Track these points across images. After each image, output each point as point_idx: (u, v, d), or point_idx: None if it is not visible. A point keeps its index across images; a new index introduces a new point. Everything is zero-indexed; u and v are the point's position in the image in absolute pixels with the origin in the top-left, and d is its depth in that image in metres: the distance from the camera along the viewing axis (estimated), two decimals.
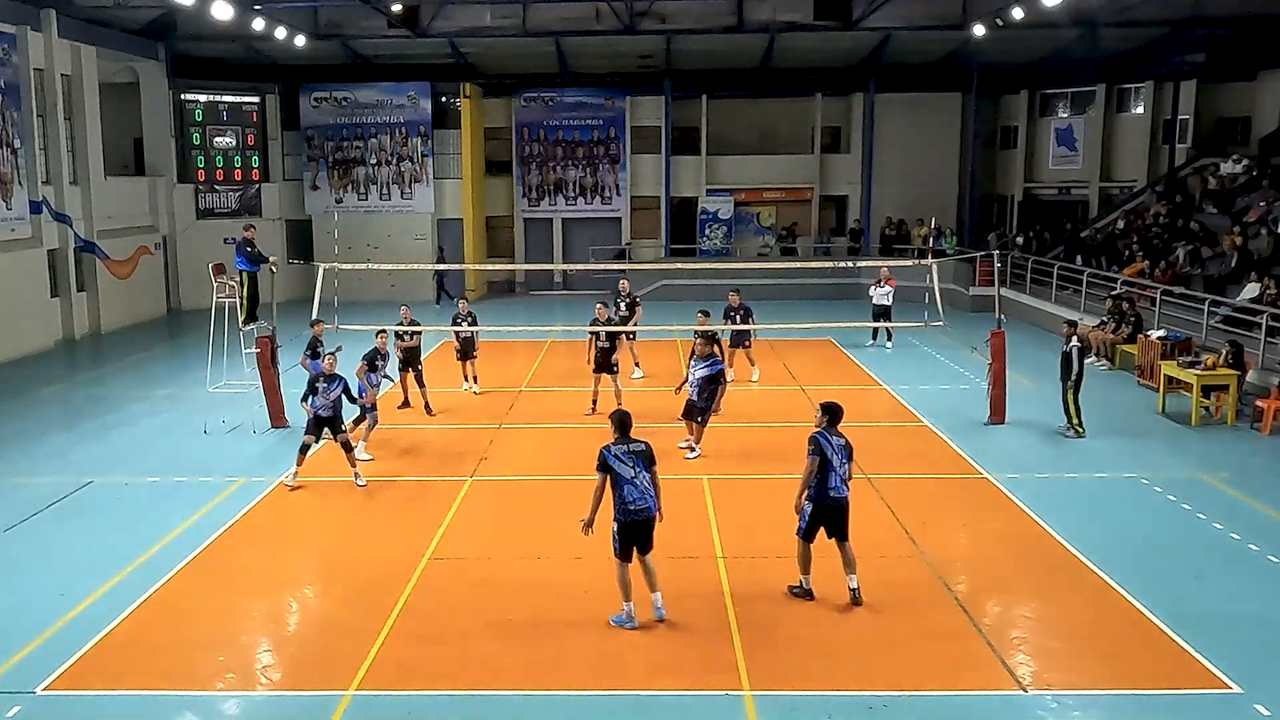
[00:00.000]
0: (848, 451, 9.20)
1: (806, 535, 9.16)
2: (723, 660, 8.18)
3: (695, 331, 15.20)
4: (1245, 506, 11.82)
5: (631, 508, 8.57)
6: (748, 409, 16.65)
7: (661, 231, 33.05)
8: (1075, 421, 14.84)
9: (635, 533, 8.63)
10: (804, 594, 9.27)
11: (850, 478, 9.21)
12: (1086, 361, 19.85)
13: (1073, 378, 14.75)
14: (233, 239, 19.20)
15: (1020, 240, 30.21)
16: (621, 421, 8.80)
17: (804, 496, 9.12)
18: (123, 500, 12.35)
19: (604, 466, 8.58)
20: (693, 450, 14.00)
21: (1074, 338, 14.97)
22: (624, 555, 8.68)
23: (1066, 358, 14.85)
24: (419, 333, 16.53)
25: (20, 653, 8.38)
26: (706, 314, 16.01)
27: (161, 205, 28.67)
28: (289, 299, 27.01)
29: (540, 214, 33.31)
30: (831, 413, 9.30)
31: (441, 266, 26.97)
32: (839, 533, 9.14)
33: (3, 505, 12.07)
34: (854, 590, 9.13)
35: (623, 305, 18.88)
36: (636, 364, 19.16)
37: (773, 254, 33.09)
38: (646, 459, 8.64)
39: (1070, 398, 14.85)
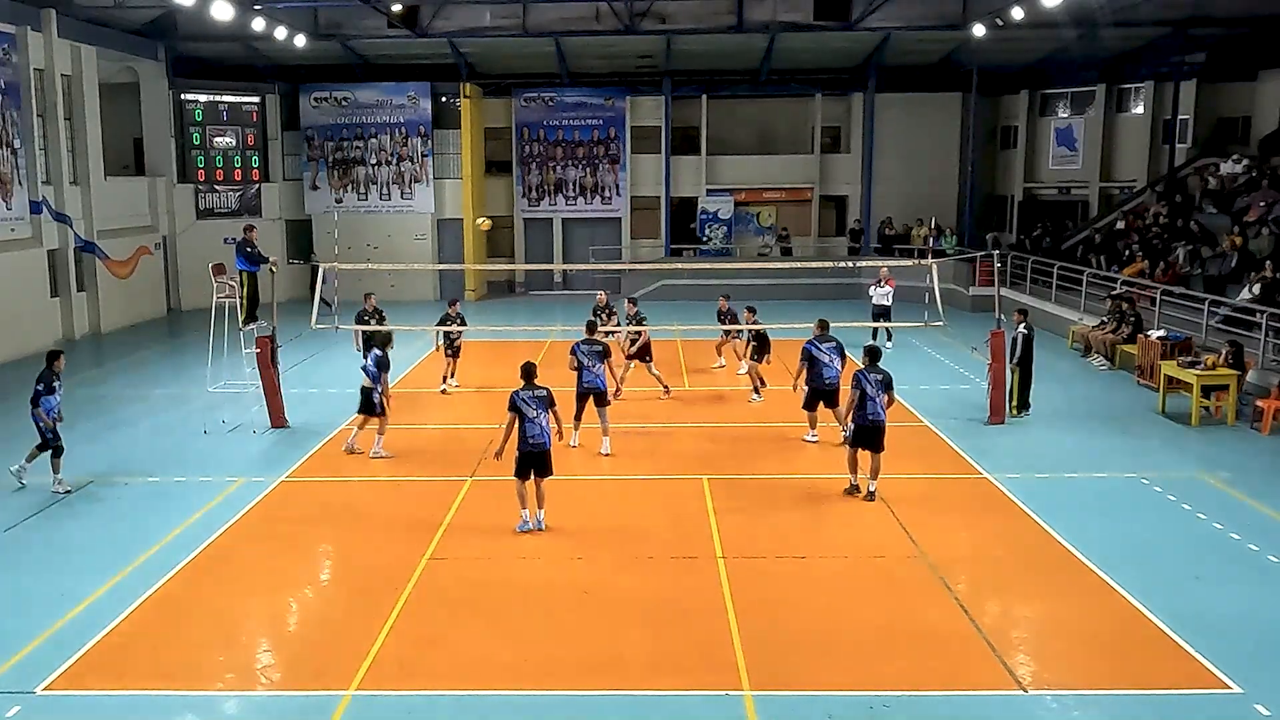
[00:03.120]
0: (884, 384, 11.87)
1: (853, 445, 12.16)
2: (723, 660, 8.18)
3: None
4: (1245, 506, 11.82)
5: (530, 441, 10.60)
6: (748, 408, 16.66)
7: (661, 231, 33.05)
8: (1013, 404, 15.72)
9: (532, 460, 10.70)
10: (852, 490, 12.08)
11: (890, 404, 11.94)
12: (1092, 362, 20.08)
13: (1014, 360, 15.62)
14: (233, 239, 19.18)
15: (1013, 240, 30.21)
16: (527, 371, 10.81)
17: (849, 419, 12.26)
18: (123, 500, 12.35)
19: (514, 407, 10.59)
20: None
21: (1021, 324, 15.78)
22: (521, 475, 10.78)
23: (1013, 341, 15.61)
24: (383, 322, 17.04)
25: (20, 653, 8.38)
26: (753, 310, 17.39)
27: (161, 205, 28.65)
28: (289, 299, 27.06)
29: (540, 214, 33.31)
30: (871, 354, 12.31)
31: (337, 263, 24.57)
32: (874, 446, 11.93)
33: (3, 505, 12.07)
34: (872, 492, 11.90)
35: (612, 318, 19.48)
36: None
37: (773, 254, 33.09)
38: (546, 402, 10.67)
39: (1014, 379, 15.66)
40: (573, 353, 14.07)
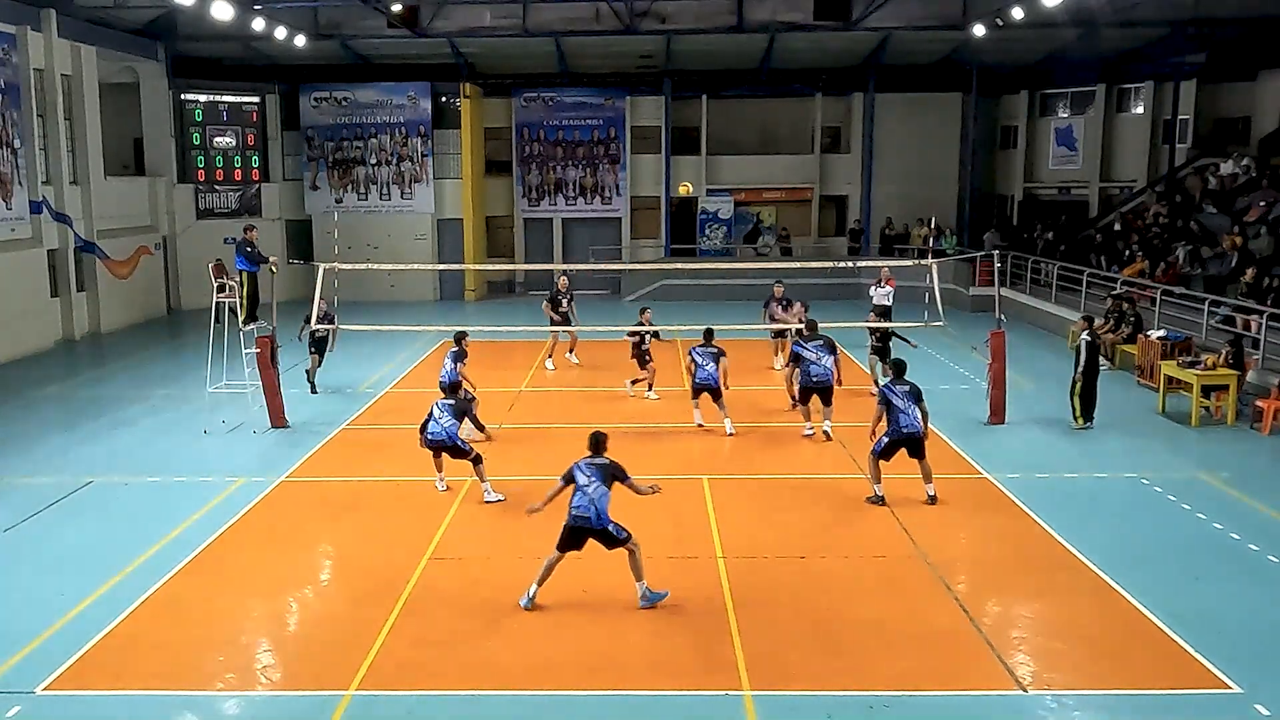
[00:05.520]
0: (913, 396, 11.96)
1: (883, 455, 11.91)
2: (723, 660, 8.18)
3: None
4: (1245, 506, 11.82)
5: (574, 512, 9.16)
6: (749, 408, 16.62)
7: (661, 231, 33.05)
8: (1078, 414, 15.19)
9: (579, 534, 9.19)
10: (878, 500, 11.83)
11: (926, 415, 11.97)
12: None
13: (1080, 370, 15.12)
14: (233, 239, 19.18)
15: (1002, 241, 30.20)
16: (596, 441, 9.42)
17: (876, 432, 12.02)
18: (123, 500, 12.35)
19: (568, 478, 9.28)
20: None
21: (1085, 332, 15.41)
22: (560, 547, 9.27)
23: (1078, 351, 15.25)
24: (333, 326, 17.47)
25: (20, 653, 8.38)
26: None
27: (161, 205, 28.65)
28: (289, 299, 27.03)
29: (540, 214, 33.31)
30: (896, 367, 12.44)
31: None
32: (917, 454, 11.92)
33: (3, 505, 12.07)
34: (931, 496, 11.86)
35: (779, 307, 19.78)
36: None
37: (773, 254, 33.10)
38: (605, 473, 9.17)
39: (1076, 390, 15.17)
40: (690, 355, 15.31)
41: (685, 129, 33.01)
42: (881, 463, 11.96)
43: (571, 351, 20.10)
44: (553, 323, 19.68)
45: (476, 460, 12.23)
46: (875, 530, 11.14)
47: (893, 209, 32.52)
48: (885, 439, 11.91)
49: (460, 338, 15.31)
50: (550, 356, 20.24)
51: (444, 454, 12.35)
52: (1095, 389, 15.28)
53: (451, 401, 12.36)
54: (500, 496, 12.08)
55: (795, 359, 14.61)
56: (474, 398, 14.28)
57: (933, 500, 11.80)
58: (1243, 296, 18.19)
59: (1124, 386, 18.31)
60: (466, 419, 12.59)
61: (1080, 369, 15.20)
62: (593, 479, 9.12)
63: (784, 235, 33.43)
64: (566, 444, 14.79)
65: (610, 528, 9.11)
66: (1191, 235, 23.38)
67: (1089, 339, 15.26)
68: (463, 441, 12.32)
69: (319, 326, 16.85)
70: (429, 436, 12.28)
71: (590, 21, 28.13)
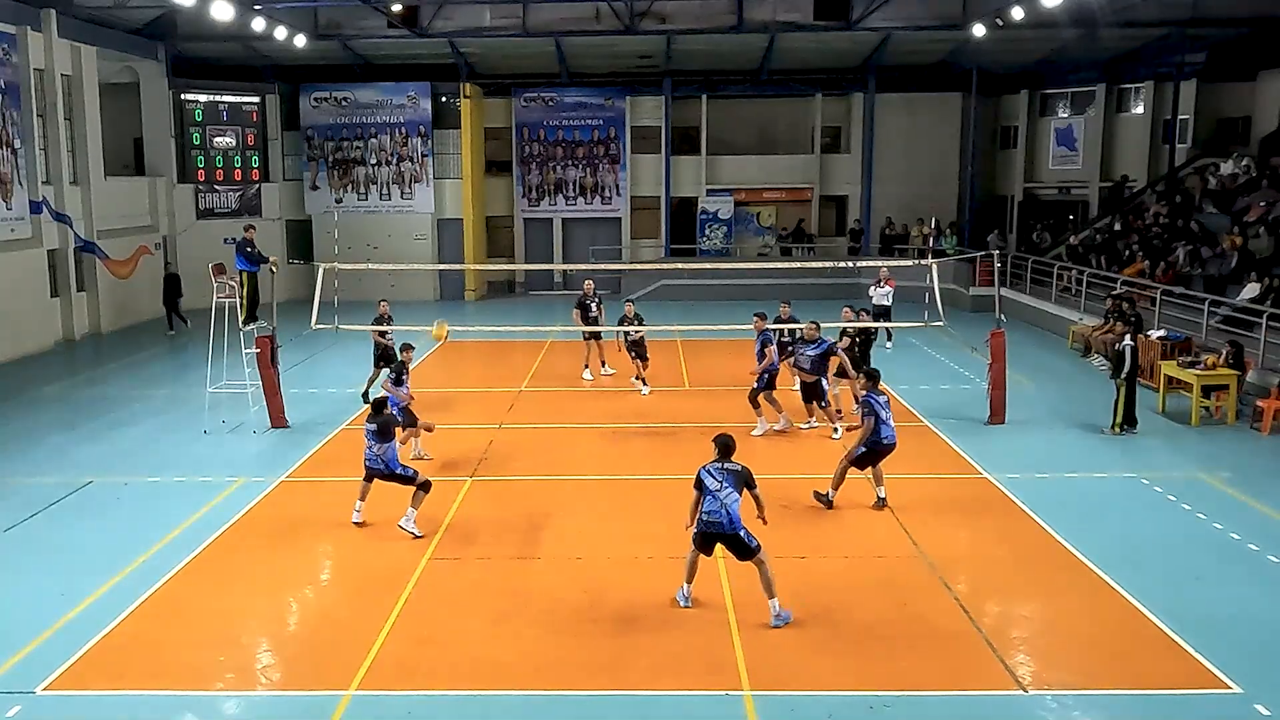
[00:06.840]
0: (888, 406, 11.66)
1: (858, 464, 11.63)
2: (723, 660, 8.19)
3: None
4: (1245, 506, 11.82)
5: (705, 518, 8.96)
6: (748, 410, 16.63)
7: (661, 231, 33.06)
8: (1117, 420, 14.82)
9: (709, 540, 9.06)
10: (826, 503, 11.66)
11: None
12: (1092, 362, 20.06)
13: (1123, 375, 14.72)
14: (233, 239, 19.17)
15: (1003, 243, 30.28)
16: (725, 445, 9.21)
17: (859, 444, 11.61)
18: (123, 500, 12.35)
19: (698, 485, 9.06)
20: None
21: (1127, 335, 15.16)
22: (700, 548, 9.18)
23: (1120, 356, 14.87)
24: (391, 329, 16.69)
25: (20, 653, 8.38)
26: (788, 303, 16.68)
27: (161, 205, 28.65)
28: (289, 299, 27.06)
29: (540, 214, 33.32)
30: (872, 377, 11.84)
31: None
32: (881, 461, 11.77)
33: (3, 505, 12.07)
34: (881, 499, 11.71)
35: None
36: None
37: (773, 254, 33.12)
38: (738, 478, 8.98)
39: (1122, 396, 14.80)
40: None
41: (685, 129, 33.02)
42: (852, 471, 11.66)
43: (604, 363, 19.17)
44: (584, 326, 18.83)
45: (422, 487, 10.99)
46: (875, 530, 11.14)
47: (893, 209, 32.52)
48: (863, 448, 11.55)
49: (403, 349, 13.92)
50: (588, 366, 19.25)
51: (390, 481, 11.05)
52: (1133, 393, 14.93)
53: (374, 426, 10.92)
54: (419, 534, 10.87)
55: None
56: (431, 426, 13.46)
57: (882, 502, 11.65)
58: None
59: None
60: (394, 438, 11.09)
61: (1124, 374, 14.71)
62: (724, 484, 8.89)
63: (784, 235, 33.44)
64: (568, 443, 14.88)
65: (742, 534, 8.85)
66: (1191, 235, 23.38)
67: (1132, 345, 14.85)
68: (403, 467, 11.11)
69: (386, 328, 16.42)
70: (366, 464, 11.13)
71: (590, 21, 28.15)
